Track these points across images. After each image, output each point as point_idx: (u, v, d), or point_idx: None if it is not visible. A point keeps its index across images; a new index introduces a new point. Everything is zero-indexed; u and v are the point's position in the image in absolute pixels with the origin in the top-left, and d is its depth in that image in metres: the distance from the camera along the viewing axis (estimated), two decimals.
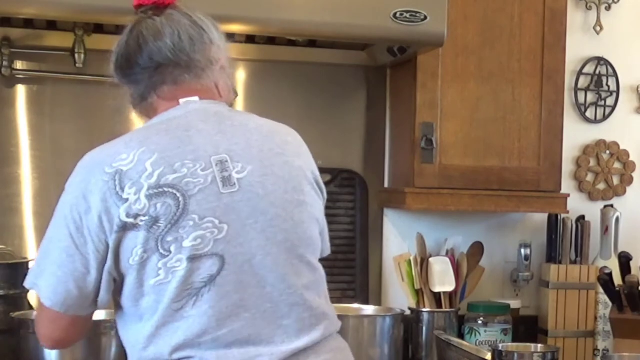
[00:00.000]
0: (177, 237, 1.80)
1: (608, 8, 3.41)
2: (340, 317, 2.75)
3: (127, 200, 1.81)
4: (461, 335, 3.11)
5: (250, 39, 3.03)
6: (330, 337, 1.96)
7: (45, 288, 1.88)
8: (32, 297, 2.83)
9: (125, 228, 1.81)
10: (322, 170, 3.15)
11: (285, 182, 1.91)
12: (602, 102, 3.43)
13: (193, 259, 1.81)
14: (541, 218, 3.33)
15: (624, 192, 3.46)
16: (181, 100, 1.95)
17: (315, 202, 1.99)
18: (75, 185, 1.88)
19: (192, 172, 1.83)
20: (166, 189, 1.81)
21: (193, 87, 1.96)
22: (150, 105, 2.00)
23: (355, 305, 2.99)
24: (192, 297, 1.81)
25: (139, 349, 1.87)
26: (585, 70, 3.42)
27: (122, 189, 1.81)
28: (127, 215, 1.81)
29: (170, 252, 1.80)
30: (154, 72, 1.96)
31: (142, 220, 1.80)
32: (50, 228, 1.92)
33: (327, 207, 3.13)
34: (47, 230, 1.93)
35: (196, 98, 1.95)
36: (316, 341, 1.90)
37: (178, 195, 1.81)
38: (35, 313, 2.00)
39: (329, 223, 3.14)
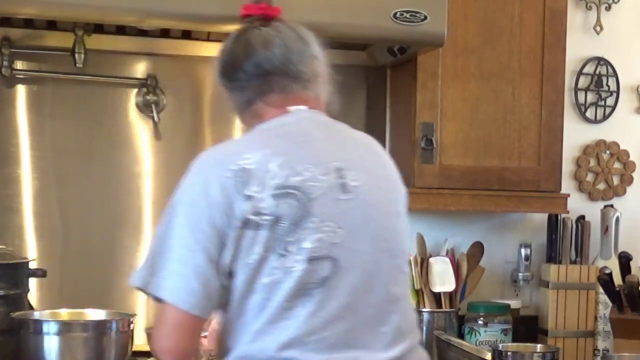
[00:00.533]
0: (298, 238, 1.84)
1: (608, 8, 3.41)
2: None
3: (251, 197, 1.83)
4: (461, 335, 3.11)
5: None
6: (414, 349, 1.99)
7: (167, 286, 1.84)
8: (31, 297, 2.83)
9: (246, 225, 1.83)
10: None
11: (387, 193, 1.99)
12: (602, 102, 3.43)
13: (311, 260, 1.84)
14: (541, 218, 3.33)
15: (624, 192, 3.46)
16: (291, 108, 2.00)
17: (406, 216, 2.06)
18: (195, 182, 1.88)
19: (313, 176, 1.87)
20: (290, 190, 1.85)
21: (300, 96, 2.01)
22: (255, 111, 2.03)
23: None
24: (304, 297, 1.84)
25: (244, 342, 1.87)
26: (585, 70, 3.42)
27: (247, 187, 1.83)
28: (252, 213, 1.82)
29: (288, 252, 1.84)
30: (261, 80, 2.00)
31: (265, 219, 1.83)
32: (166, 226, 1.88)
33: None
34: (159, 230, 1.89)
35: (305, 107, 2.01)
36: (406, 351, 1.94)
37: (301, 197, 1.85)
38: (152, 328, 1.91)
39: None
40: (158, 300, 1.88)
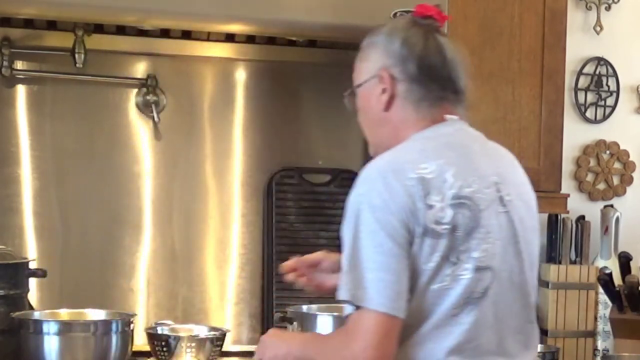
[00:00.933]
0: (468, 247, 1.88)
1: (608, 8, 3.41)
2: (340, 317, 2.75)
3: (432, 207, 1.86)
4: None
5: (250, 39, 3.03)
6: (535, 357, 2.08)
7: (373, 295, 1.83)
8: (31, 297, 2.83)
9: (426, 233, 1.86)
10: (322, 170, 3.19)
11: (529, 208, 2.04)
12: (602, 102, 3.43)
13: (477, 269, 1.89)
14: (541, 218, 3.31)
15: (624, 192, 3.46)
16: (447, 117, 2.02)
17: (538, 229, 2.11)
18: (379, 189, 1.88)
19: (479, 188, 1.92)
20: (464, 201, 1.90)
21: (458, 107, 2.04)
22: (425, 111, 2.02)
23: None
24: (469, 305, 1.89)
25: (408, 345, 1.90)
26: (585, 70, 3.42)
27: (428, 196, 1.87)
28: (433, 222, 1.86)
29: (459, 260, 1.88)
30: (439, 84, 2.02)
31: (444, 229, 1.86)
32: (355, 235, 1.87)
33: (327, 207, 3.17)
34: (348, 241, 1.88)
35: (457, 117, 2.04)
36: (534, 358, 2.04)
37: (473, 207, 1.90)
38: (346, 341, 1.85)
39: (329, 223, 3.17)
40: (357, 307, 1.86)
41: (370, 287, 1.84)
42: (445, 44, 2.04)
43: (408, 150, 1.94)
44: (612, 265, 3.15)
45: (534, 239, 2.03)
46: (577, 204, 3.35)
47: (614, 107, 3.45)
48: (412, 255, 1.86)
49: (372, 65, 2.05)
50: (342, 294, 1.88)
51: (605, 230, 3.31)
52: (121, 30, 2.94)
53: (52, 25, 2.89)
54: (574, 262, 3.29)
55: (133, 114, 3.04)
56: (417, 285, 1.87)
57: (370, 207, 1.86)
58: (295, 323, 2.75)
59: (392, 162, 1.92)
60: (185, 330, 2.82)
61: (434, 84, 2.01)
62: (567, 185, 3.32)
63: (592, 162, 3.43)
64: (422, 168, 1.89)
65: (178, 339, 2.69)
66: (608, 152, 3.44)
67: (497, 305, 1.92)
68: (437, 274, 1.87)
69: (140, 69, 3.05)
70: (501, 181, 1.97)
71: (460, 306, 1.88)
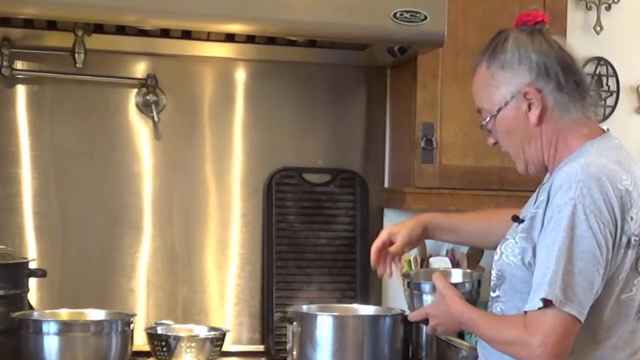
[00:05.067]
0: None
1: (608, 8, 3.41)
2: (340, 317, 2.76)
3: (632, 219, 1.94)
4: (461, 335, 3.10)
5: (250, 39, 3.03)
6: None
7: (574, 300, 1.89)
8: (31, 297, 2.83)
9: (628, 245, 1.94)
10: (322, 170, 3.19)
11: None
12: (602, 102, 3.43)
13: None
14: None
15: None
16: (605, 127, 2.11)
17: None
18: (596, 196, 1.92)
19: None
20: None
21: (589, 98, 2.09)
22: (575, 121, 2.06)
23: (355, 305, 2.98)
24: (637, 313, 2.02)
25: (598, 355, 1.99)
26: (585, 70, 3.41)
27: (631, 208, 1.94)
28: (634, 234, 1.94)
29: None
30: (579, 79, 2.06)
31: (635, 240, 1.95)
32: (565, 237, 1.91)
33: (327, 207, 3.17)
34: (556, 240, 1.91)
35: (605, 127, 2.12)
36: None
37: None
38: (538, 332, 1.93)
39: (329, 223, 3.17)
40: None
41: (575, 293, 1.89)
42: (560, 41, 2.08)
43: (608, 160, 1.98)
44: None
45: None
46: None
47: (614, 107, 3.45)
48: (612, 265, 1.92)
49: (511, 87, 2.06)
50: (543, 293, 1.90)
51: None
52: (121, 30, 2.94)
53: (52, 25, 2.89)
54: None
55: (133, 114, 3.04)
56: (612, 295, 1.95)
57: (585, 213, 1.90)
58: (295, 323, 2.76)
59: (604, 170, 1.95)
60: (185, 330, 2.82)
61: (574, 83, 2.04)
62: None
63: None
64: (623, 179, 1.95)
65: (178, 339, 2.70)
66: None
67: None
68: (625, 285, 1.96)
69: (140, 69, 3.05)
70: None
71: (635, 316, 1.99)
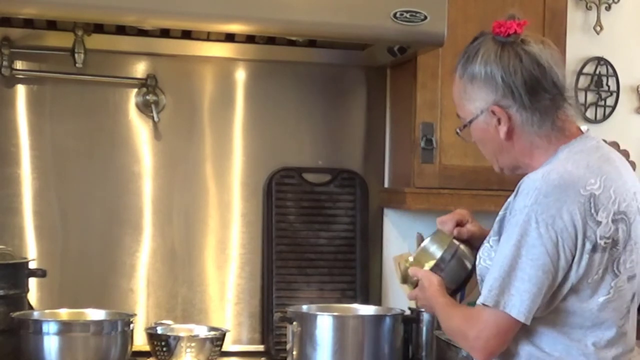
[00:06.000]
0: (624, 259, 1.99)
1: (608, 8, 3.41)
2: (340, 317, 2.76)
3: (600, 223, 1.94)
4: None
5: (250, 39, 3.03)
6: None
7: (519, 305, 1.92)
8: (31, 297, 2.83)
9: (595, 249, 1.94)
10: (322, 170, 3.19)
11: None
12: (602, 102, 3.43)
13: (629, 279, 2.01)
14: None
15: None
16: (583, 128, 2.09)
17: None
18: (551, 205, 1.92)
19: (629, 201, 2.00)
20: (622, 216, 1.98)
21: (567, 105, 2.08)
22: (556, 127, 2.06)
23: (355, 305, 2.99)
24: (627, 314, 2.04)
25: (574, 354, 1.99)
26: (585, 70, 3.42)
27: (597, 212, 1.94)
28: (600, 238, 1.94)
29: (620, 272, 1.99)
30: (552, 90, 2.04)
31: (606, 243, 1.95)
32: (517, 245, 1.93)
33: (326, 207, 3.17)
34: (507, 248, 1.94)
35: (586, 127, 2.11)
36: None
37: (627, 221, 1.98)
38: (475, 325, 1.98)
39: (329, 223, 3.17)
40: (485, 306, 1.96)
41: (516, 296, 1.92)
42: (536, 50, 2.06)
43: (575, 165, 1.98)
44: None
45: None
46: None
47: (614, 107, 3.45)
48: (575, 271, 1.93)
49: (479, 102, 2.07)
50: (483, 298, 1.95)
51: None
52: (121, 30, 2.94)
53: (52, 25, 2.89)
54: None
55: (133, 114, 3.05)
56: (585, 298, 1.96)
57: (537, 221, 1.91)
58: (295, 323, 2.76)
59: (566, 176, 1.95)
60: (185, 330, 2.82)
61: (545, 99, 2.03)
62: None
63: None
64: (591, 184, 1.94)
65: (178, 338, 2.70)
66: None
67: (634, 307, 2.06)
68: (599, 288, 1.96)
69: (140, 69, 3.05)
70: (637, 190, 2.04)
71: (622, 317, 2.01)
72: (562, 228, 1.91)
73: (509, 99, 2.03)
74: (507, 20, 2.12)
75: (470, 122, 2.09)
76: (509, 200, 2.08)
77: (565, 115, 2.06)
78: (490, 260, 2.04)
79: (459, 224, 2.25)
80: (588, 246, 1.93)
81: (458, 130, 2.15)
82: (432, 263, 2.24)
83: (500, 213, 2.06)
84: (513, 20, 2.11)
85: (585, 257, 1.93)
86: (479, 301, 1.96)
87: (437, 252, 2.24)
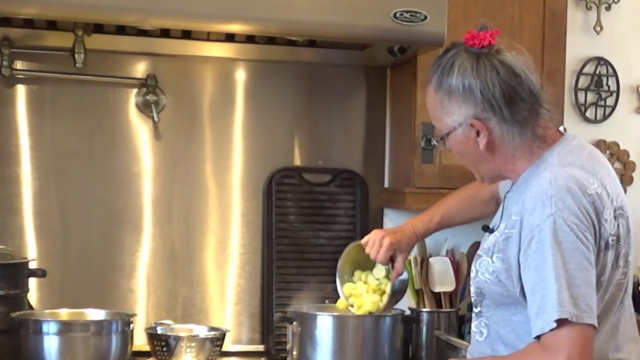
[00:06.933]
0: (624, 252, 2.04)
1: (608, 8, 3.41)
2: (340, 317, 2.76)
3: (607, 221, 1.98)
4: (461, 335, 3.11)
5: (250, 39, 3.03)
6: None
7: (589, 311, 1.90)
8: (31, 297, 2.83)
9: (607, 247, 1.98)
10: (322, 170, 3.19)
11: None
12: (602, 102, 3.43)
13: (625, 272, 2.06)
14: None
15: (624, 192, 3.45)
16: (560, 128, 2.12)
17: None
18: (570, 207, 1.94)
19: (621, 195, 2.06)
20: (620, 211, 2.04)
21: (544, 109, 2.10)
22: (536, 134, 2.07)
23: None
24: (621, 304, 2.08)
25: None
26: (585, 70, 3.42)
27: (603, 211, 1.98)
28: (609, 235, 1.99)
29: (619, 266, 2.04)
30: (529, 99, 2.05)
31: (612, 240, 2.00)
32: (557, 256, 1.91)
33: (326, 207, 3.17)
34: (544, 264, 1.92)
35: (563, 126, 2.17)
36: None
37: (625, 214, 2.05)
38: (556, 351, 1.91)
39: (329, 223, 3.17)
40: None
41: (581, 303, 1.90)
42: (511, 60, 2.06)
43: (572, 168, 2.00)
44: None
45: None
46: None
47: (614, 107, 3.45)
48: (598, 269, 1.96)
49: (457, 116, 2.07)
50: (557, 315, 1.88)
51: None
52: (121, 30, 2.94)
53: (52, 25, 2.89)
54: None
55: (133, 114, 3.04)
56: (598, 295, 1.98)
57: (567, 225, 1.92)
58: (295, 323, 2.76)
59: (571, 180, 1.96)
60: (185, 330, 2.82)
61: (524, 110, 2.04)
62: None
63: None
64: (591, 183, 1.98)
65: (178, 338, 2.70)
66: (608, 152, 3.43)
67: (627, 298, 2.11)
68: (609, 282, 2.00)
69: (140, 69, 3.05)
70: (616, 187, 2.07)
71: (615, 309, 2.04)
72: (587, 227, 1.93)
73: (488, 112, 2.03)
74: (479, 31, 2.08)
75: (448, 134, 2.10)
76: (501, 210, 2.10)
77: (544, 121, 2.07)
78: (489, 275, 2.05)
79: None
80: (602, 243, 1.96)
81: (435, 142, 2.16)
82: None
83: (506, 231, 2.04)
84: (486, 31, 2.07)
85: (601, 254, 1.96)
86: (544, 329, 1.90)
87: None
